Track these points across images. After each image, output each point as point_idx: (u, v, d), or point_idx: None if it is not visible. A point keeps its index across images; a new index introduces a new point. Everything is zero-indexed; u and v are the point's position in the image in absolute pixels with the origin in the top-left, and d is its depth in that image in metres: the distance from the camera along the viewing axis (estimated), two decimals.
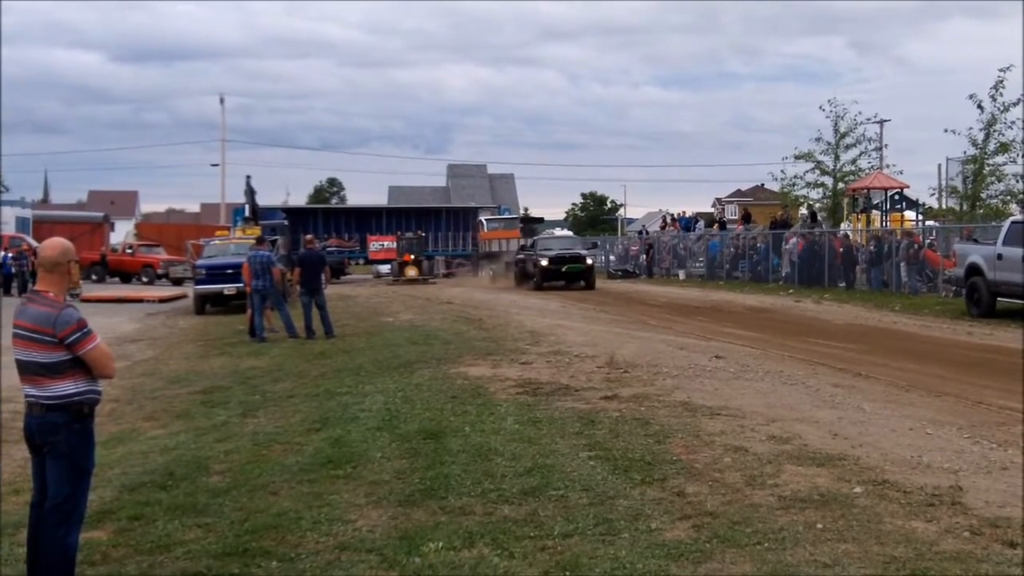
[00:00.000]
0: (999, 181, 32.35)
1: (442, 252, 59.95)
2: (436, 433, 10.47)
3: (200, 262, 33.59)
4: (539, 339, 19.47)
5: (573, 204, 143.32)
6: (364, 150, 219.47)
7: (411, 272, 49.81)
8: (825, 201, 42.88)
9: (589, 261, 40.55)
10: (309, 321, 22.12)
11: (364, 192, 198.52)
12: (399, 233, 54.60)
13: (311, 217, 60.92)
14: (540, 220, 68.67)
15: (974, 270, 24.34)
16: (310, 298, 22.39)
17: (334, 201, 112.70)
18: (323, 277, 22.72)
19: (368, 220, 60.91)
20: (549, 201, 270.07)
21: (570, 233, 66.30)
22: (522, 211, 71.13)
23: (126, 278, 50.47)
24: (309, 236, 26.17)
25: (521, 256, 44.66)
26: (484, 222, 60.57)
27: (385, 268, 54.56)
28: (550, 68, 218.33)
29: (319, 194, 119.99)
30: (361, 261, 58.67)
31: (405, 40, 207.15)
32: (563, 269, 39.38)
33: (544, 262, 39.23)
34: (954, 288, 27.64)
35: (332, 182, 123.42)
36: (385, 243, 56.16)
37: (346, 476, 8.88)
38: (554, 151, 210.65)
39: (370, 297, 37.15)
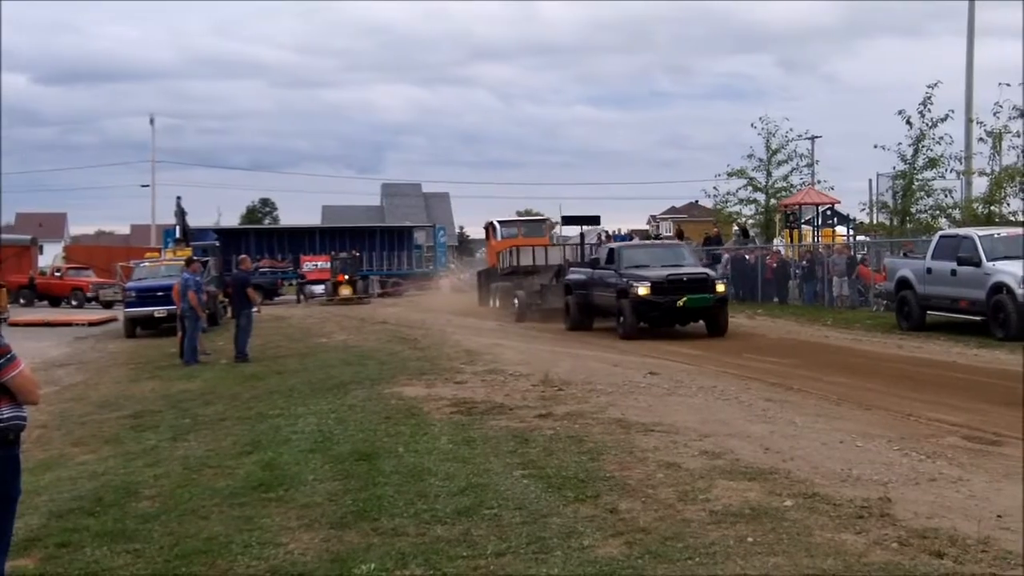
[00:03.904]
0: (928, 196, 32.86)
1: (377, 272, 59.74)
2: (369, 454, 10.41)
3: (130, 284, 33.29)
4: (475, 358, 19.44)
5: None
6: (297, 170, 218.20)
7: (345, 292, 49.61)
8: (758, 217, 43.30)
9: (720, 287, 25.19)
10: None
11: (297, 212, 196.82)
12: (333, 253, 54.40)
13: (243, 238, 60.55)
14: (593, 220, 37.99)
15: (904, 284, 24.68)
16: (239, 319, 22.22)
17: (267, 221, 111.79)
18: (249, 297, 22.43)
19: (301, 240, 60.73)
20: (485, 219, 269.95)
21: (674, 239, 40.88)
22: (495, 222, 47.07)
23: (55, 301, 49.64)
24: (243, 256, 25.97)
25: (578, 277, 28.49)
26: (497, 226, 46.65)
27: (319, 288, 54.14)
28: (483, 87, 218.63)
29: (251, 214, 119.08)
30: (295, 282, 58.02)
31: (336, 60, 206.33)
32: (679, 303, 24.11)
33: (642, 290, 24.25)
34: (885, 302, 28.04)
35: (265, 202, 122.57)
36: (319, 263, 55.93)
37: (278, 499, 8.79)
38: (489, 169, 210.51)
39: (304, 318, 36.93)
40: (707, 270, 26.93)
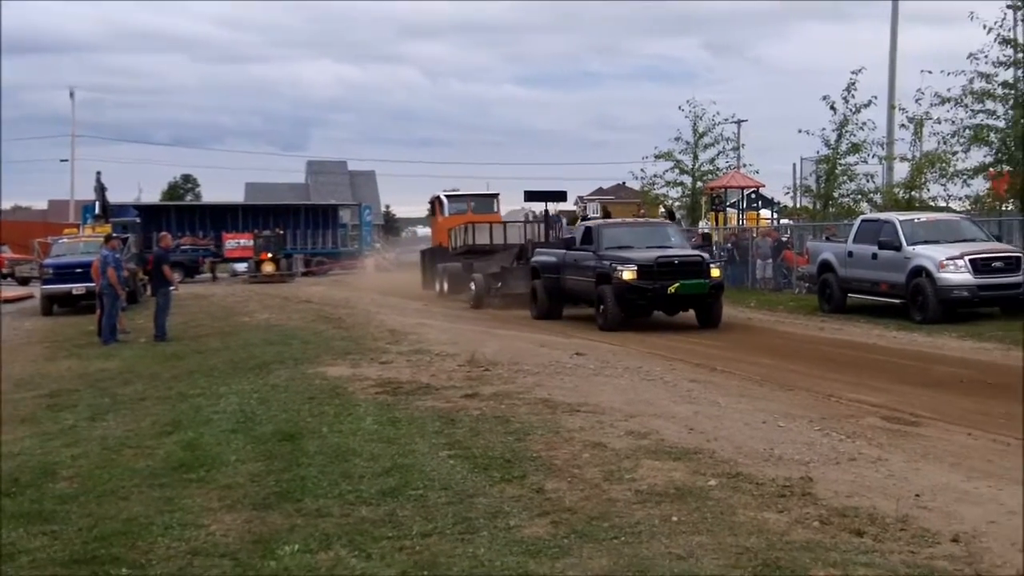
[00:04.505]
0: (851, 180, 33.20)
1: (301, 250, 59.25)
2: (293, 435, 10.31)
3: (47, 261, 32.74)
4: (400, 338, 19.38)
5: None
6: (220, 146, 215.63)
7: (268, 270, 49.21)
8: (684, 200, 43.60)
9: (716, 272, 22.62)
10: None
11: (220, 189, 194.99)
12: (256, 231, 53.86)
13: (165, 214, 59.73)
14: (559, 196, 34.30)
15: (826, 267, 25.00)
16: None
17: (188, 198, 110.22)
18: (166, 276, 22.11)
19: (224, 217, 60.01)
20: (412, 198, 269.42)
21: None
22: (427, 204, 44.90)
23: None
24: (163, 234, 25.57)
25: (547, 259, 25.56)
26: (444, 201, 42.24)
27: (242, 266, 53.54)
28: (412, 65, 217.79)
29: (173, 191, 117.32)
30: (208, 260, 57.14)
31: (262, 35, 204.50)
32: (670, 289, 21.42)
33: (628, 274, 21.53)
34: (807, 285, 28.39)
35: (187, 178, 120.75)
36: (242, 241, 55.34)
37: (199, 480, 8.67)
38: (417, 148, 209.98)
39: (225, 296, 36.57)
40: (701, 252, 23.93)
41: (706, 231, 33.76)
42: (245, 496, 8.09)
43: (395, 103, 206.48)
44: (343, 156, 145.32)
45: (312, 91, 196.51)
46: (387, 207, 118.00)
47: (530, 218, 37.68)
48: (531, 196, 35.37)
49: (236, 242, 56.01)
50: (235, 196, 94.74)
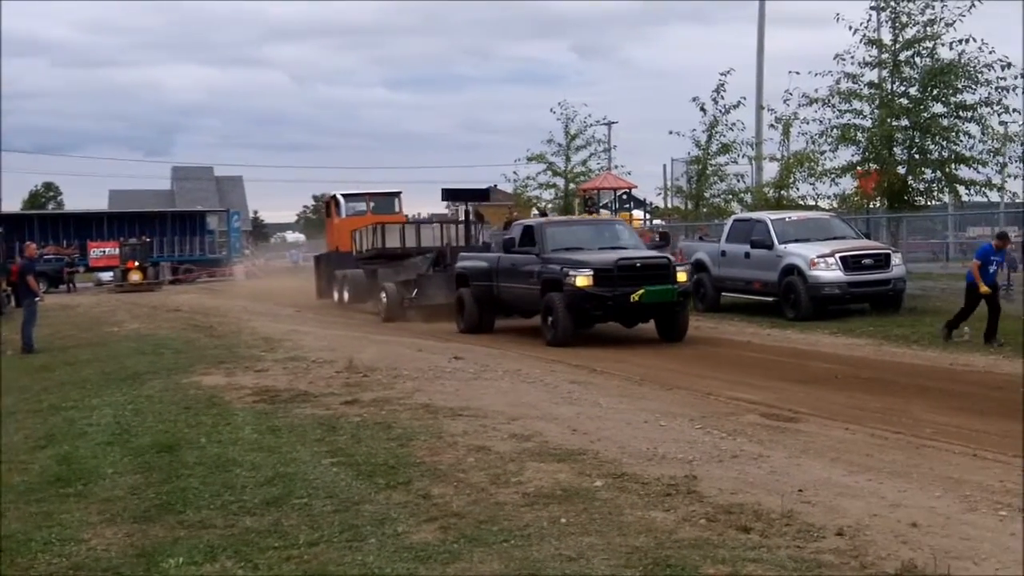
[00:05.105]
0: (721, 181, 33.69)
1: (168, 258, 58.21)
2: (171, 446, 10.06)
3: None
4: (275, 345, 19.09)
5: (305, 206, 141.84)
6: (82, 153, 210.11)
7: (135, 278, 48.26)
8: (557, 201, 43.82)
9: (682, 276, 19.82)
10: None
11: (83, 197, 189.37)
12: (122, 239, 52.79)
13: (27, 224, 58.17)
14: (482, 194, 33.47)
15: (700, 267, 25.35)
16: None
17: (51, 206, 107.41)
18: (30, 286, 21.53)
19: (89, 226, 58.71)
20: (280, 203, 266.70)
21: (606, 213, 37.68)
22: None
23: None
24: (28, 243, 24.80)
25: (475, 264, 22.86)
26: (341, 201, 38.48)
27: (107, 275, 52.34)
28: (277, 69, 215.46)
29: (35, 199, 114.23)
30: (82, 269, 55.83)
31: (122, 39, 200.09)
32: (633, 297, 18.60)
33: (582, 280, 18.69)
34: None
35: (49, 186, 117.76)
36: (107, 249, 54.18)
37: (77, 494, 8.42)
38: (284, 152, 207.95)
39: (92, 306, 35.69)
40: (665, 254, 21.07)
41: (664, 229, 29.51)
42: (125, 509, 7.87)
43: (261, 107, 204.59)
44: (209, 161, 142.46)
45: (175, 95, 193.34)
46: (255, 213, 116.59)
47: (421, 219, 35.63)
48: (450, 195, 33.18)
49: (102, 251, 54.89)
50: (99, 204, 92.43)
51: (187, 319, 27.07)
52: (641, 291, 18.53)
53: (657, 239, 24.14)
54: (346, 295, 31.35)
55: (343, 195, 38.80)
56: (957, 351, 16.72)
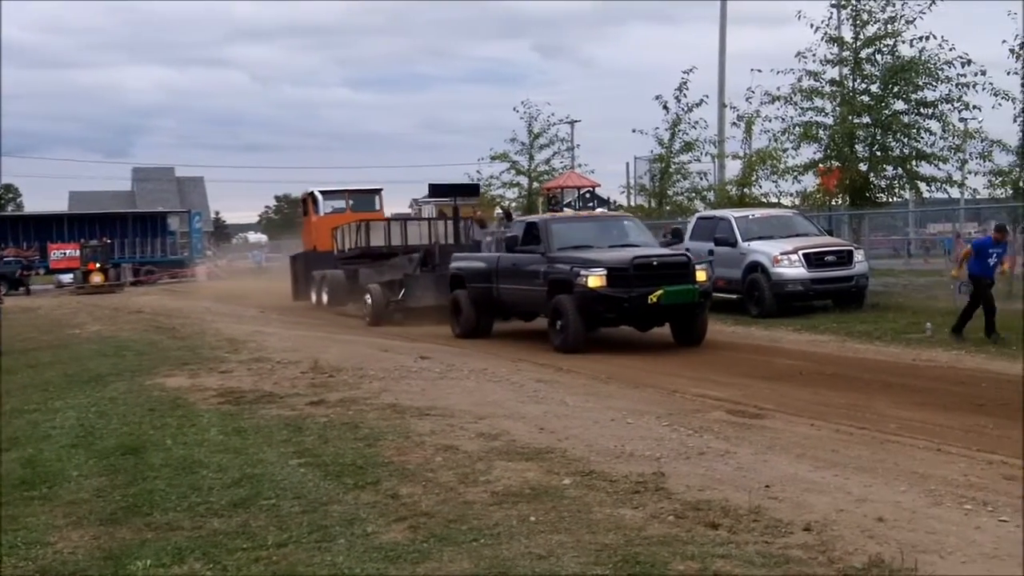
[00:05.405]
0: (684, 179, 33.89)
1: (130, 259, 57.87)
2: (136, 448, 9.97)
3: None
4: (239, 346, 18.99)
5: (267, 207, 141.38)
6: (40, 154, 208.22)
7: (96, 280, 47.94)
8: (521, 200, 43.88)
9: (702, 275, 18.31)
10: None
11: (43, 199, 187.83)
12: (83, 241, 52.45)
13: None
14: (471, 190, 33.05)
15: None
16: None
17: (10, 209, 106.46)
18: None
19: (49, 228, 58.32)
20: (243, 204, 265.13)
21: (607, 209, 35.15)
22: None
23: None
24: None
25: (472, 265, 21.56)
26: (319, 198, 36.90)
27: (67, 277, 51.94)
28: (238, 69, 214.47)
29: None
30: (42, 271, 55.44)
31: (78, 39, 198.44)
32: (652, 298, 17.36)
33: (594, 280, 17.43)
34: None
35: (7, 188, 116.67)
36: (68, 251, 53.81)
37: (42, 497, 8.32)
38: (246, 153, 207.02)
39: (53, 308, 35.40)
40: (684, 251, 19.89)
41: (677, 225, 27.17)
42: (91, 512, 7.79)
43: (221, 107, 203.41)
44: (169, 162, 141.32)
45: (135, 96, 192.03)
46: (217, 213, 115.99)
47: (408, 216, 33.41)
48: (437, 191, 31.70)
49: (62, 252, 54.54)
50: (59, 205, 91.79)
51: (149, 320, 26.89)
52: (660, 291, 17.32)
53: (669, 236, 22.86)
54: (325, 297, 30.10)
55: (321, 192, 37.39)
56: (920, 346, 16.86)
